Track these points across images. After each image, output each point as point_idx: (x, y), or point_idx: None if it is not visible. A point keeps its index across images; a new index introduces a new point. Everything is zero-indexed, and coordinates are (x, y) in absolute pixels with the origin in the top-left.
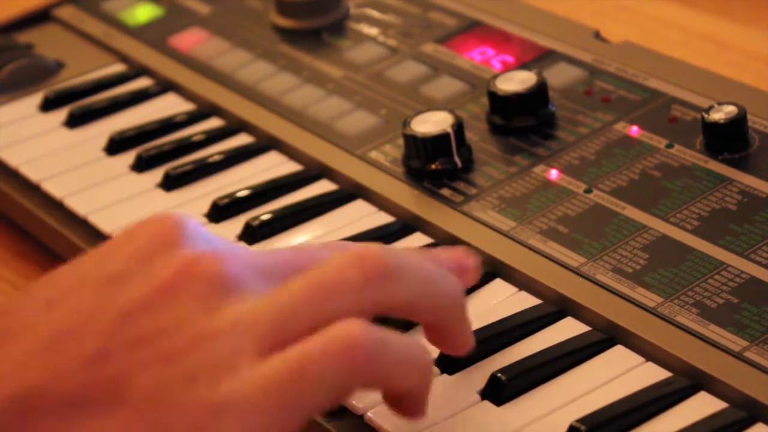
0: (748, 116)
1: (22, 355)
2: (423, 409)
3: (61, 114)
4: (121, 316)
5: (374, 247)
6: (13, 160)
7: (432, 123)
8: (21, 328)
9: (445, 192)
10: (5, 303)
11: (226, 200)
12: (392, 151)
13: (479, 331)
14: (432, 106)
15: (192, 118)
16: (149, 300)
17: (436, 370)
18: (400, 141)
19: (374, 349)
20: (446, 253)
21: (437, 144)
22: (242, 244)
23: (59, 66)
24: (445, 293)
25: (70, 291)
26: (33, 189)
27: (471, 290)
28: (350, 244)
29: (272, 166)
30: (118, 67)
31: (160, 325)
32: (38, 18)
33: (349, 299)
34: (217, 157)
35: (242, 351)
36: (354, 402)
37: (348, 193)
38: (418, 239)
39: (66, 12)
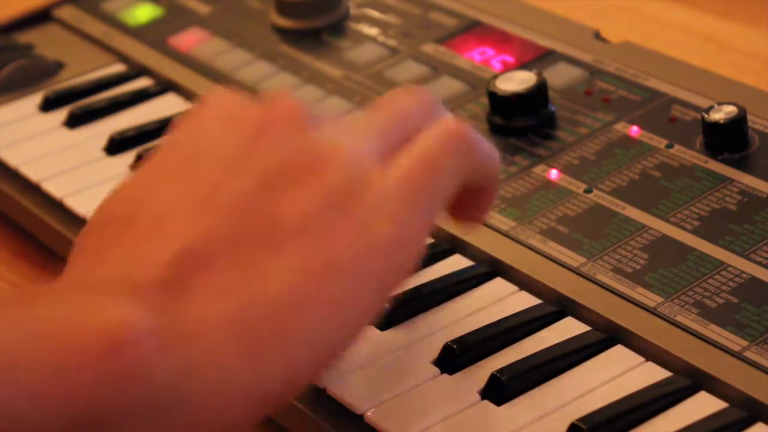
0: (748, 116)
1: (178, 217)
2: (489, 209)
3: (61, 114)
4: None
5: (461, 123)
6: (13, 160)
7: None
8: (170, 193)
9: None
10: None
11: None
12: None
13: (479, 331)
14: None
15: None
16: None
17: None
18: None
19: (474, 137)
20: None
21: None
22: None
23: (59, 66)
24: (495, 156)
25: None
26: (33, 189)
27: (470, 289)
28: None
29: None
30: (118, 67)
31: (289, 161)
32: (38, 18)
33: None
34: None
35: (368, 166)
36: (354, 402)
37: None
38: None
39: (66, 12)
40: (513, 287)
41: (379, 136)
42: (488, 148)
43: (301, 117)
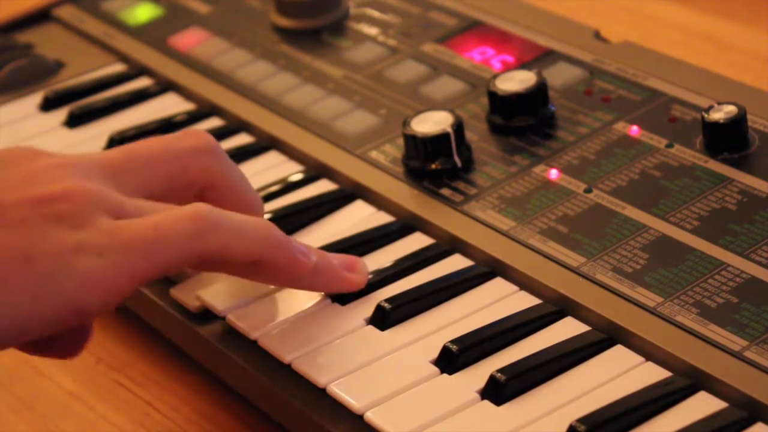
0: (748, 116)
1: None
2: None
3: (61, 114)
4: (20, 177)
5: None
6: None
7: (432, 123)
8: None
9: (445, 192)
10: None
11: None
12: (392, 151)
13: (479, 331)
14: (432, 106)
15: (192, 118)
16: (30, 174)
17: (280, 239)
18: (400, 141)
19: (218, 219)
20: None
21: (437, 144)
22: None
23: (59, 66)
24: (254, 228)
25: None
26: None
27: (470, 289)
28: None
29: (272, 166)
30: (118, 67)
31: (37, 182)
32: (38, 18)
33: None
34: None
35: (104, 209)
36: (354, 402)
37: (348, 192)
38: (418, 239)
39: (66, 12)
40: (513, 287)
41: (121, 174)
42: (241, 232)
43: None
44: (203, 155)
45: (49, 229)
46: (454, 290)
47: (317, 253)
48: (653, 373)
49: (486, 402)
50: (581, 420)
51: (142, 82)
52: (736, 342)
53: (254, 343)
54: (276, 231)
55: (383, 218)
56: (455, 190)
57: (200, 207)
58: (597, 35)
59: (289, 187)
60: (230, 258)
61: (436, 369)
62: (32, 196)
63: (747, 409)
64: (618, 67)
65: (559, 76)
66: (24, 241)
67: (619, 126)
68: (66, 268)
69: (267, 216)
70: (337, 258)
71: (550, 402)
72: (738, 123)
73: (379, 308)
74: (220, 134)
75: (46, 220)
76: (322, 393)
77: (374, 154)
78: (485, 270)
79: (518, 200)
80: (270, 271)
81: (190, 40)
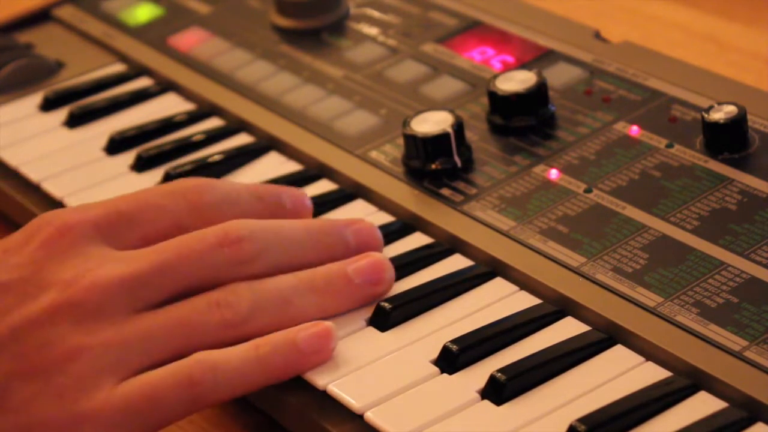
0: (748, 116)
1: None
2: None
3: (61, 114)
4: (9, 330)
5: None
6: (13, 160)
7: (432, 123)
8: None
9: (445, 192)
10: None
11: None
12: (392, 151)
13: (479, 331)
14: (432, 106)
15: (192, 118)
16: (36, 318)
17: (287, 361)
18: (400, 141)
19: (214, 376)
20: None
21: (437, 144)
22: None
23: (59, 66)
24: (255, 368)
25: None
26: (33, 189)
27: (470, 289)
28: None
29: (272, 166)
30: (118, 67)
31: (41, 342)
32: (38, 18)
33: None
34: (217, 157)
35: (105, 372)
36: (354, 402)
37: (348, 192)
38: (418, 239)
39: (66, 12)
40: (513, 287)
41: (150, 348)
42: (240, 378)
43: (93, 309)
44: (234, 266)
45: (47, 408)
46: (454, 290)
47: (334, 286)
48: (653, 373)
49: (486, 402)
50: (581, 420)
51: (142, 82)
52: (736, 342)
53: None
54: (281, 352)
55: (383, 218)
56: (455, 190)
57: (195, 369)
58: (597, 35)
59: (284, 184)
60: (231, 399)
61: (436, 369)
62: (34, 371)
63: (747, 409)
64: (618, 67)
65: (559, 76)
66: (20, 427)
67: (619, 126)
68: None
69: None
70: (360, 275)
71: (550, 402)
72: (738, 123)
73: (379, 308)
74: (220, 134)
75: (46, 398)
76: (322, 393)
77: (374, 154)
78: (485, 270)
79: (518, 200)
80: None
81: (190, 40)
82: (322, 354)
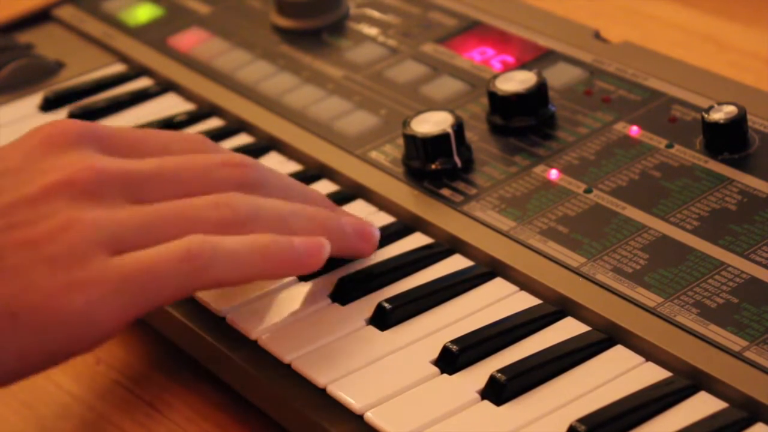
0: (748, 116)
1: None
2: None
3: (61, 114)
4: (4, 207)
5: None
6: None
7: (432, 123)
8: None
9: (445, 192)
10: None
11: None
12: (392, 151)
13: (479, 331)
14: (432, 106)
15: (192, 118)
16: (32, 196)
17: (282, 249)
18: (400, 141)
19: (212, 253)
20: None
21: (437, 144)
22: None
23: (59, 66)
24: (252, 252)
25: None
26: None
27: (470, 289)
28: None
29: (272, 166)
30: (118, 67)
31: (34, 217)
32: (38, 18)
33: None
34: None
35: (98, 244)
36: (354, 402)
37: (348, 193)
38: (418, 239)
39: (66, 12)
40: (513, 287)
41: (148, 228)
42: (238, 260)
43: (92, 190)
44: (236, 186)
45: (39, 274)
46: (455, 290)
47: (327, 224)
48: (653, 373)
49: (486, 402)
50: (581, 420)
51: (142, 83)
52: (736, 342)
53: (254, 343)
54: (278, 244)
55: (383, 218)
56: (455, 190)
57: (193, 243)
58: (597, 35)
59: None
60: (228, 285)
61: (436, 369)
62: (25, 239)
63: (747, 409)
64: (618, 68)
65: (559, 76)
66: (11, 292)
67: (619, 126)
68: (54, 320)
69: None
70: (351, 225)
71: (550, 402)
72: (738, 123)
73: (379, 308)
74: (220, 134)
75: (38, 264)
76: (322, 393)
77: (374, 155)
78: (485, 270)
79: (518, 200)
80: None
81: (190, 40)
82: (316, 258)
